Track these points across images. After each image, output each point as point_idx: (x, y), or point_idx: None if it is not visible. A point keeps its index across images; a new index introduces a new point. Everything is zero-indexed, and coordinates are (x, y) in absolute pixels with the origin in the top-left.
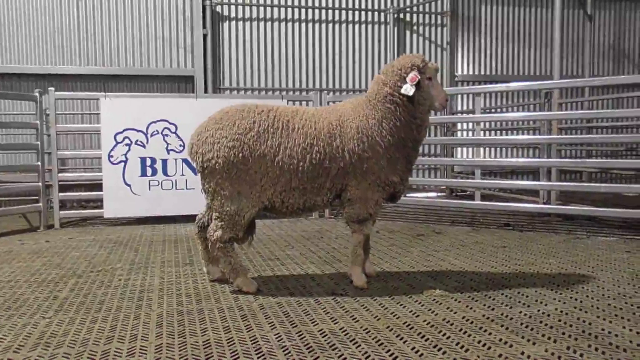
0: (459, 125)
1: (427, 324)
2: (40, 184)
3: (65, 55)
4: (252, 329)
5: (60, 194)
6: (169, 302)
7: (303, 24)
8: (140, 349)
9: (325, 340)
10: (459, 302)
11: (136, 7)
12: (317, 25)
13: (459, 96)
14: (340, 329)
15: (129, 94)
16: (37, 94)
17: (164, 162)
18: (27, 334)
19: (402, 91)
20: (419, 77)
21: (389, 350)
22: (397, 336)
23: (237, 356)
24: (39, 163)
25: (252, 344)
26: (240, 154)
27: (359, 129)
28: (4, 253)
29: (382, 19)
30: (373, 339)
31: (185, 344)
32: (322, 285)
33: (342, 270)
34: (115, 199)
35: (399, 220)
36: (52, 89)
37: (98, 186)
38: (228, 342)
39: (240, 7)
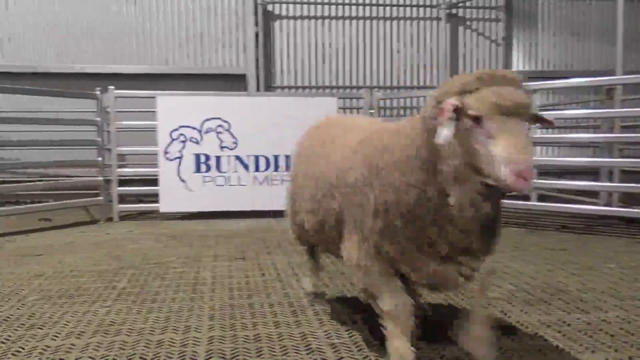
0: None
1: None
2: (100, 178)
3: (124, 56)
4: (302, 325)
5: (119, 188)
6: (221, 295)
7: (354, 21)
8: (193, 340)
9: (374, 338)
10: (513, 305)
11: (190, 7)
12: (368, 22)
13: None
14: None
15: (184, 92)
16: (98, 93)
17: (218, 158)
18: (87, 321)
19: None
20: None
21: (440, 351)
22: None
23: (286, 351)
24: (100, 159)
25: (301, 339)
26: None
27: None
28: (68, 244)
29: (434, 15)
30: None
31: (236, 337)
32: None
33: None
34: (170, 194)
35: None
36: (112, 87)
37: (154, 181)
38: (278, 337)
39: (291, 6)
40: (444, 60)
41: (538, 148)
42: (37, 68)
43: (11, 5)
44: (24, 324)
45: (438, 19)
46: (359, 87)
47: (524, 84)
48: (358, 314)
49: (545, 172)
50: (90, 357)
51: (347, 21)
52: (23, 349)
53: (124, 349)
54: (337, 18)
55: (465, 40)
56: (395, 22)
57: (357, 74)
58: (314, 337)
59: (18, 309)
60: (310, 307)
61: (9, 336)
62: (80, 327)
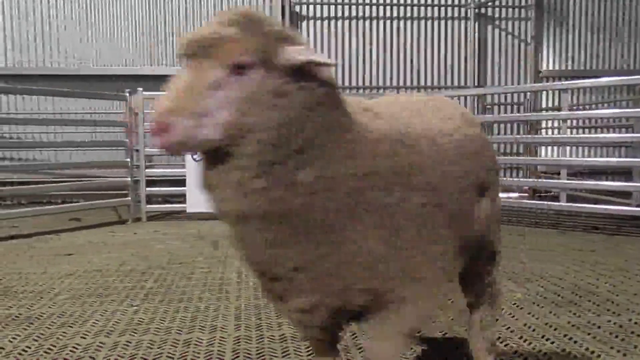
0: (543, 123)
1: (506, 328)
2: (128, 179)
3: (153, 57)
4: None
5: (147, 188)
6: (247, 295)
7: (381, 22)
8: (220, 339)
9: None
10: (542, 307)
11: (218, 8)
12: (395, 22)
13: (544, 93)
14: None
15: None
16: (127, 94)
17: None
18: (116, 320)
19: None
20: None
21: (467, 352)
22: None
23: (311, 351)
24: (128, 159)
25: None
26: None
27: None
28: (97, 244)
29: (463, 14)
30: (450, 340)
31: (262, 337)
32: None
33: None
34: (197, 194)
35: None
36: (141, 89)
37: (181, 182)
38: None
39: (318, 6)
40: (472, 61)
41: (567, 148)
42: (69, 70)
43: (47, 9)
44: (54, 322)
45: (466, 18)
46: (385, 88)
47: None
48: None
49: (576, 172)
50: (119, 356)
51: (374, 21)
52: (54, 346)
53: (151, 348)
54: (364, 18)
55: (494, 40)
56: (422, 22)
57: (384, 74)
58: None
59: (49, 307)
60: None
61: (41, 334)
62: (109, 325)
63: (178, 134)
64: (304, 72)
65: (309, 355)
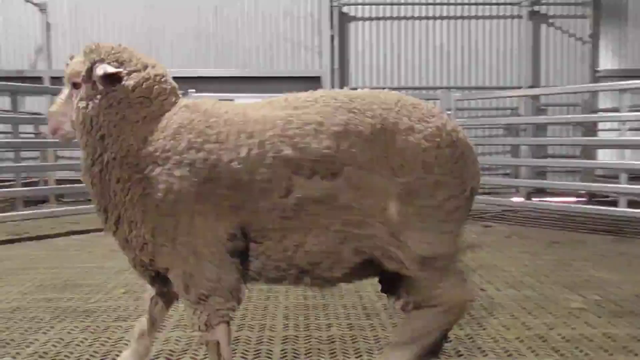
0: (600, 125)
1: (562, 338)
2: None
3: (205, 59)
4: (375, 329)
5: None
6: (296, 296)
7: (430, 22)
8: (268, 338)
9: (451, 346)
10: (599, 317)
11: (267, 12)
12: (445, 22)
13: (601, 93)
14: (466, 335)
15: (260, 95)
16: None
17: None
18: (169, 315)
19: None
20: None
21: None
22: (528, 348)
23: (359, 354)
24: None
25: (374, 342)
26: None
27: None
28: None
29: (516, 13)
30: (502, 349)
31: (310, 337)
32: None
33: (468, 275)
34: None
35: (532, 226)
36: (193, 90)
37: None
38: (351, 339)
39: (367, 7)
40: (525, 60)
41: (627, 151)
42: None
43: (113, 16)
44: (110, 316)
45: (519, 16)
46: (435, 88)
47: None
48: None
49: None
50: (170, 350)
51: (423, 21)
52: (110, 339)
53: (201, 344)
54: (413, 18)
55: (549, 38)
56: (474, 21)
57: (434, 74)
58: (387, 341)
59: (105, 301)
60: (384, 311)
61: (97, 326)
62: (163, 322)
63: (53, 128)
64: (114, 81)
65: (357, 357)
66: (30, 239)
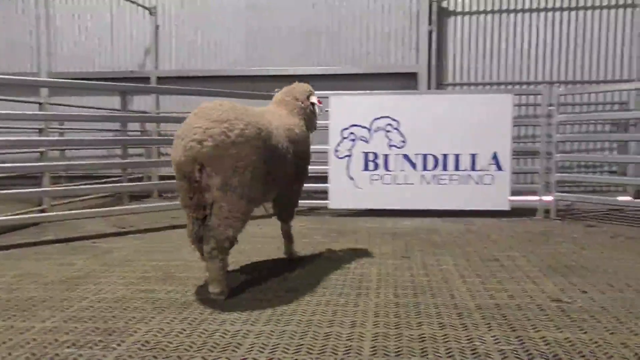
0: None
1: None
2: None
3: (304, 57)
4: (468, 328)
5: None
6: (386, 293)
7: (534, 14)
8: (359, 335)
9: (548, 349)
10: None
11: (365, 8)
12: (550, 13)
13: None
14: (565, 339)
15: (356, 92)
16: (275, 93)
17: (386, 157)
18: (262, 308)
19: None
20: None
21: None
22: (635, 355)
23: (451, 353)
24: None
25: (467, 343)
26: None
27: None
28: (245, 236)
29: (626, 1)
30: (604, 354)
31: (401, 335)
32: (545, 291)
33: (570, 277)
34: (339, 191)
35: (638, 226)
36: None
37: (324, 178)
38: (443, 339)
39: (467, 0)
40: (638, 51)
41: None
42: (227, 72)
43: (214, 13)
44: (207, 309)
45: (633, 5)
46: (537, 83)
47: None
48: (529, 320)
49: None
50: (262, 344)
51: (526, 14)
52: (206, 330)
53: (292, 338)
54: (515, 11)
55: None
56: (581, 12)
57: (536, 68)
58: (480, 342)
59: (202, 294)
60: (477, 311)
61: (195, 318)
62: (254, 315)
63: None
64: None
65: (449, 357)
66: (135, 232)
